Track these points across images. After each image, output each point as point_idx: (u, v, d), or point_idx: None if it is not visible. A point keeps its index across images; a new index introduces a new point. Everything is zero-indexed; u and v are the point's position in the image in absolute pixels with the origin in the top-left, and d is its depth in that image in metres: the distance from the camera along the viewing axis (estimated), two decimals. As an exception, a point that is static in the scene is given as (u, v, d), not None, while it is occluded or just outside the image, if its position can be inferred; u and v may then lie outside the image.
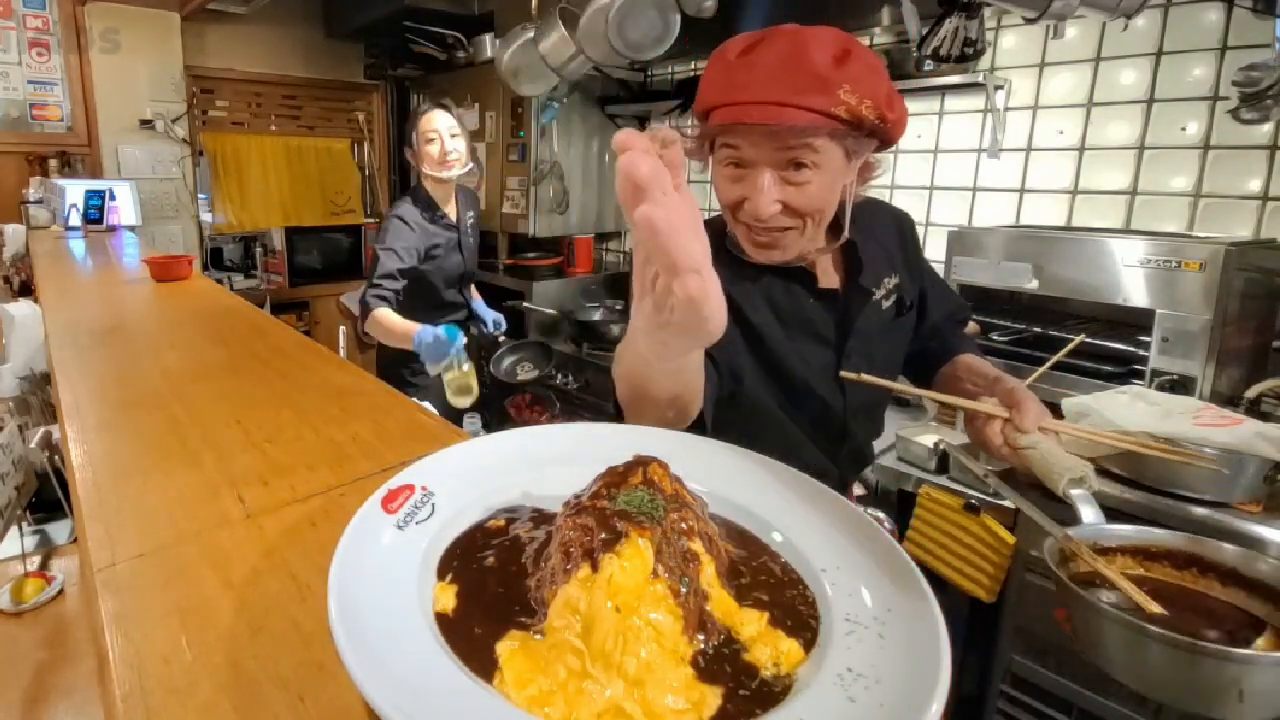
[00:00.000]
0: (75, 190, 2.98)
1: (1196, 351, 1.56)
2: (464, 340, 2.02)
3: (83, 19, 3.37)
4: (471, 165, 2.28)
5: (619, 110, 3.34)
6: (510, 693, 0.37)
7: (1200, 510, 1.32)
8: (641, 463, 0.50)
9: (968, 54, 1.94)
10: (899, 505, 1.73)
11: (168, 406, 0.84)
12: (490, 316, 2.51)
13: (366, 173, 4.51)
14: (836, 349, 0.98)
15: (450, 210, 2.31)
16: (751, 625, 0.43)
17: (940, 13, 1.91)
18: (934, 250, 2.47)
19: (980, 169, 2.34)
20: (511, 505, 0.55)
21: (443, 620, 0.41)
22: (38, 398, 1.62)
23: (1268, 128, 1.76)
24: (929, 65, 2.25)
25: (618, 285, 3.44)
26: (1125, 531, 0.70)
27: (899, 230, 1.08)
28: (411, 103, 4.10)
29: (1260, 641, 0.59)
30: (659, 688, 0.38)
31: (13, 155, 3.33)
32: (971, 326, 1.70)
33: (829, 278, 0.99)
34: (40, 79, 3.36)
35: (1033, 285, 1.78)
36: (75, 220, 2.93)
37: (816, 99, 0.76)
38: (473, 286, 2.57)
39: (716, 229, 0.94)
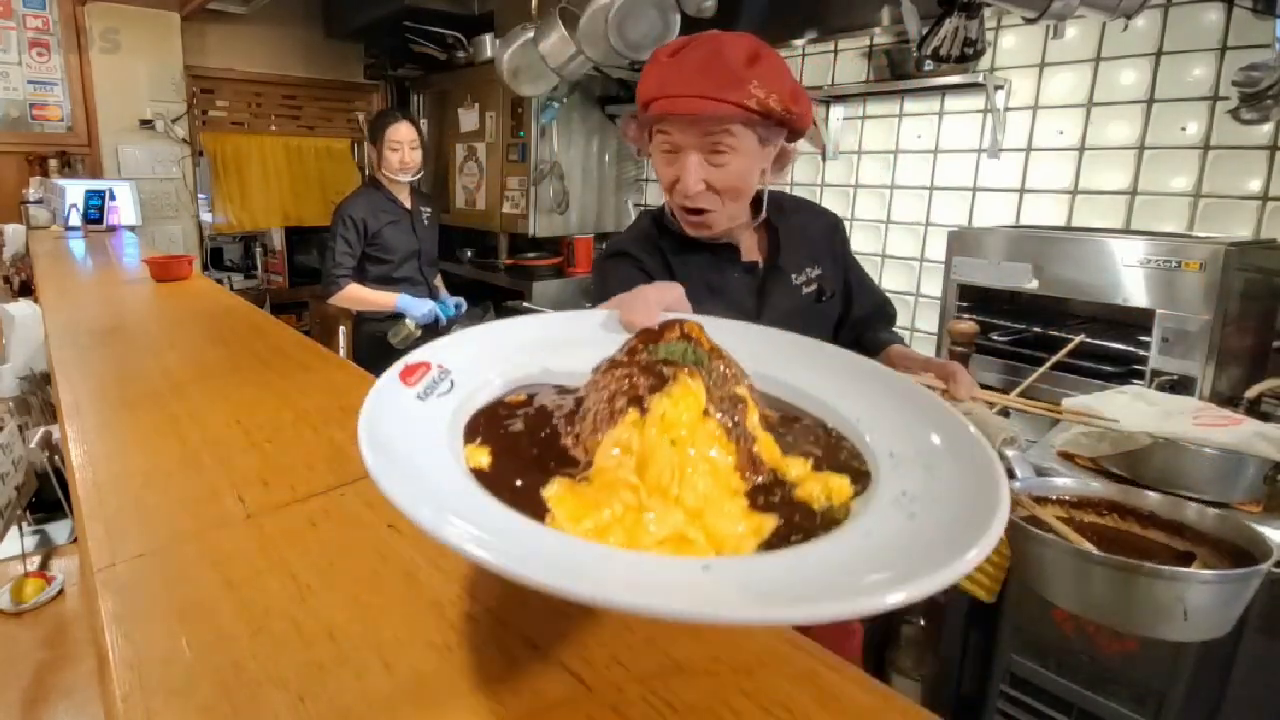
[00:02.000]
0: (75, 190, 2.98)
1: (1196, 351, 1.56)
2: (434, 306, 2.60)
3: (83, 19, 3.37)
4: (422, 172, 2.69)
5: (619, 110, 3.34)
6: (566, 528, 0.36)
7: (1200, 510, 1.32)
8: (677, 322, 0.49)
9: (968, 54, 1.94)
10: (899, 505, 1.73)
11: (168, 406, 0.84)
12: (452, 300, 2.77)
13: (366, 173, 4.51)
14: (754, 318, 1.14)
15: (404, 200, 2.68)
16: (797, 468, 0.43)
17: (940, 13, 1.91)
18: (934, 250, 2.47)
19: (980, 169, 2.33)
20: (532, 380, 0.53)
21: (480, 475, 0.40)
22: (38, 398, 1.62)
23: (1268, 128, 1.76)
24: (929, 65, 2.25)
25: (618, 285, 3.44)
26: (1058, 484, 0.79)
27: (829, 230, 1.25)
28: (412, 103, 4.10)
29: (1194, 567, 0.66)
30: (719, 516, 0.37)
31: (13, 155, 3.33)
32: (970, 326, 1.71)
33: (751, 254, 1.16)
34: (40, 79, 3.36)
35: (1033, 285, 1.78)
36: (75, 220, 2.93)
37: (731, 92, 0.91)
38: (439, 278, 2.91)
39: (656, 215, 1.15)
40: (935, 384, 1.02)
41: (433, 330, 2.66)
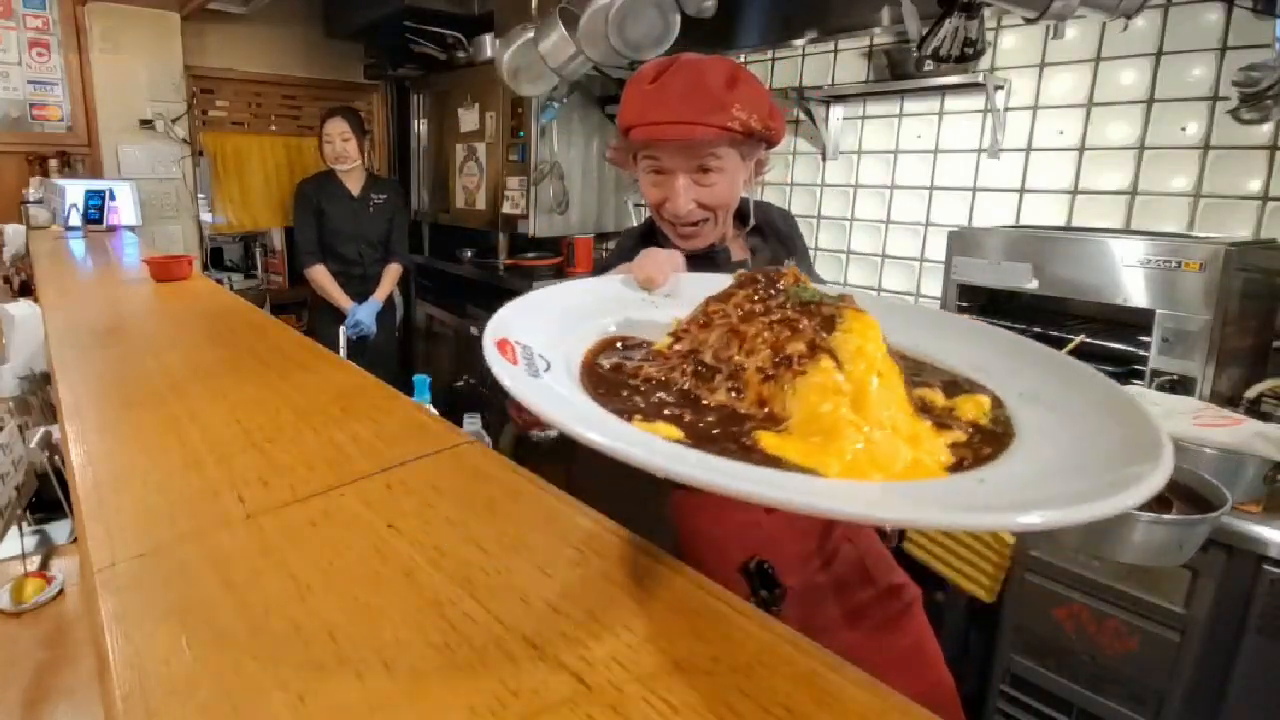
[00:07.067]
0: (75, 190, 2.98)
1: (1196, 351, 1.56)
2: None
3: (83, 19, 3.37)
4: (358, 163, 3.03)
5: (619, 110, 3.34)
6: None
7: (1200, 510, 1.32)
8: (774, 267, 0.48)
9: (968, 54, 1.94)
10: (899, 505, 1.73)
11: (168, 406, 0.84)
12: (361, 316, 3.01)
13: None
14: None
15: (351, 186, 3.05)
16: (932, 395, 0.43)
17: (940, 13, 1.91)
18: (934, 250, 2.47)
19: (980, 169, 2.33)
20: (617, 338, 0.51)
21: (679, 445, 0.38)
22: (38, 398, 1.62)
23: (1268, 128, 1.76)
24: (929, 65, 2.25)
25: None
26: None
27: (785, 221, 1.29)
28: (412, 103, 4.11)
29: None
30: (926, 439, 0.38)
31: (13, 155, 3.32)
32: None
33: (739, 254, 1.19)
34: (40, 79, 3.36)
35: (1033, 285, 1.78)
36: (75, 220, 2.93)
37: (716, 117, 0.95)
38: (386, 283, 3.13)
39: (645, 232, 1.17)
40: None
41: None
